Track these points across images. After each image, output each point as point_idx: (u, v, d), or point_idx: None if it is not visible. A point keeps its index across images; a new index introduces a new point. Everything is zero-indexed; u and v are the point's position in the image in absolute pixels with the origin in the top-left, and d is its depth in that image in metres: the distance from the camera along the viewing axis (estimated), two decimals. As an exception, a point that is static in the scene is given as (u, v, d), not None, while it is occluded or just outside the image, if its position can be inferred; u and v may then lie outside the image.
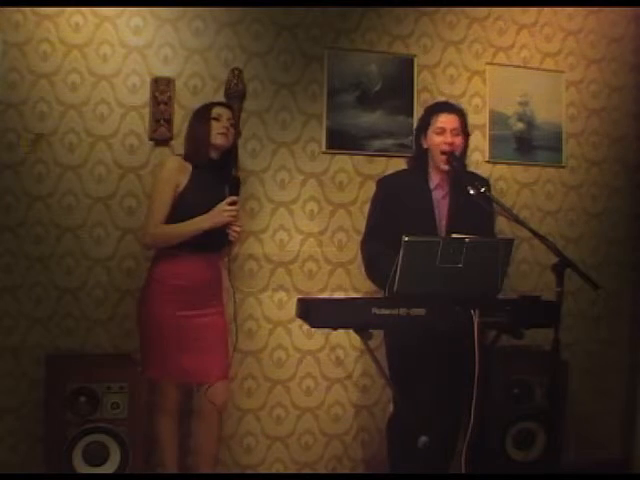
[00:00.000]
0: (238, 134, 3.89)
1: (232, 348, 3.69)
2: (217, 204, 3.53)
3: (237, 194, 3.60)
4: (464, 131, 3.66)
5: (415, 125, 3.87)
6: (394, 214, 3.58)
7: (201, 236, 3.51)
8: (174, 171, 3.56)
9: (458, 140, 3.59)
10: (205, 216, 3.50)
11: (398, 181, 3.74)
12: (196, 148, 3.59)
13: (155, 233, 3.54)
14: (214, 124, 3.58)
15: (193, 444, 3.79)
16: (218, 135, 3.56)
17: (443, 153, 3.56)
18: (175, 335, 3.52)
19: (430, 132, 3.61)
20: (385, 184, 3.75)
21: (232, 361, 3.76)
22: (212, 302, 3.64)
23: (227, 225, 3.55)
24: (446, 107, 3.69)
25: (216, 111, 3.61)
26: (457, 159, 3.58)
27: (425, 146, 3.64)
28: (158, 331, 3.55)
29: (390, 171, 4.07)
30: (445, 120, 3.59)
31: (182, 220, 3.51)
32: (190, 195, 3.54)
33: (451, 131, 3.58)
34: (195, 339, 3.54)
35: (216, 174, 3.60)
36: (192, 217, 3.50)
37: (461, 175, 3.59)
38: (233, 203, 3.54)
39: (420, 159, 3.70)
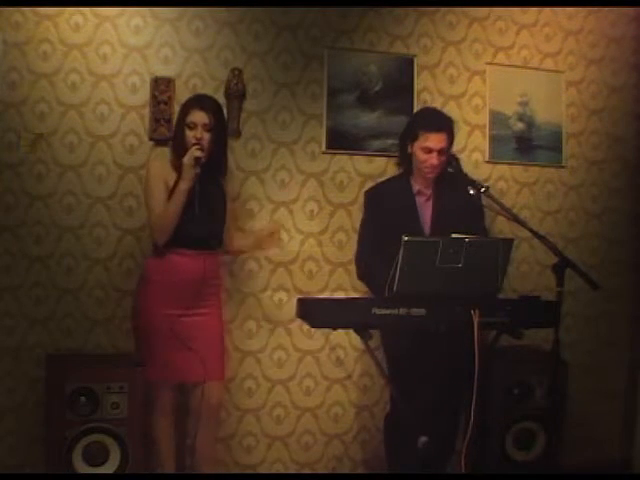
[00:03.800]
0: (232, 131, 3.87)
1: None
2: (206, 202, 3.53)
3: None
4: (450, 142, 3.69)
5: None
6: (381, 222, 3.65)
7: (189, 231, 3.52)
8: (159, 169, 3.59)
9: (443, 158, 3.64)
10: (181, 178, 3.48)
11: (383, 189, 3.82)
12: (177, 155, 3.56)
13: (156, 222, 3.54)
14: (187, 133, 3.54)
15: (191, 444, 3.78)
16: (195, 150, 3.48)
17: (426, 168, 3.64)
18: (165, 334, 3.52)
19: (417, 145, 3.66)
20: (371, 195, 3.83)
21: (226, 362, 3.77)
22: (205, 301, 3.62)
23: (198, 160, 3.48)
24: (436, 125, 3.66)
25: (191, 118, 3.54)
26: (455, 160, 3.66)
27: (409, 151, 3.71)
28: (149, 330, 3.57)
29: (390, 171, 4.10)
30: (434, 140, 3.62)
31: (181, 221, 3.53)
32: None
33: (438, 151, 3.62)
34: (187, 338, 3.53)
35: (204, 173, 3.54)
36: (184, 215, 3.50)
37: (454, 176, 3.64)
38: (198, 142, 3.51)
39: (404, 164, 3.78)
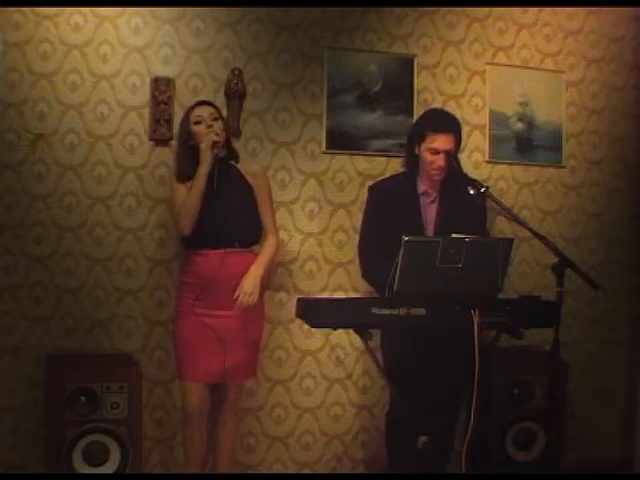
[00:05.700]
0: (233, 130, 3.88)
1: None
2: (220, 204, 3.51)
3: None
4: (457, 144, 3.67)
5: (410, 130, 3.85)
6: (383, 221, 3.63)
7: (207, 231, 3.49)
8: (182, 188, 3.57)
9: (450, 159, 3.62)
10: (200, 162, 3.47)
11: (387, 187, 3.80)
12: (184, 173, 3.55)
13: (179, 214, 3.51)
14: (200, 129, 3.52)
15: (215, 445, 3.76)
16: (210, 134, 3.48)
17: (433, 170, 3.62)
18: (197, 335, 3.50)
19: (423, 147, 3.63)
20: (375, 191, 3.80)
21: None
22: (233, 300, 3.53)
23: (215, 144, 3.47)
24: (443, 126, 3.62)
25: (195, 114, 3.55)
26: (456, 160, 3.65)
27: (417, 152, 3.67)
28: (184, 330, 3.56)
29: (390, 171, 4.11)
30: (441, 142, 3.58)
31: (198, 220, 3.50)
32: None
33: (445, 153, 3.59)
34: (216, 338, 3.49)
35: (217, 172, 3.54)
36: (207, 213, 3.49)
37: (457, 177, 3.63)
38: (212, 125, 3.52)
39: (410, 164, 3.75)
